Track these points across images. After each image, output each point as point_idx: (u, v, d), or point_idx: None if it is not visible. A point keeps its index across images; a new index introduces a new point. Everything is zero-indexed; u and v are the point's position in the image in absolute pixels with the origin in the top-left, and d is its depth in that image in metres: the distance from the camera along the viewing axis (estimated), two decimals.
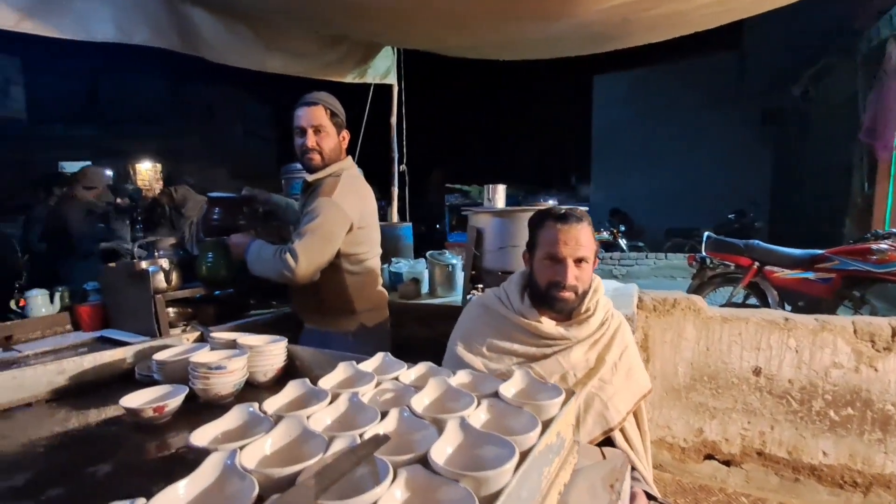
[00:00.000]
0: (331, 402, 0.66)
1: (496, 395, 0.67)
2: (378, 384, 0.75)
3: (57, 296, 1.77)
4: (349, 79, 3.27)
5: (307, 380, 0.75)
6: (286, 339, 1.06)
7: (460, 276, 2.39)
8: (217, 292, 1.89)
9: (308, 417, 0.60)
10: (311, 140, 1.61)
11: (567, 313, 1.34)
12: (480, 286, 1.83)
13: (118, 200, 3.69)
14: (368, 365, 0.87)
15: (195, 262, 1.90)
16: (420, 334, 2.11)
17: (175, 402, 0.84)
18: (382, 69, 3.44)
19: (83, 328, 1.77)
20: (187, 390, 0.87)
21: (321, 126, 1.61)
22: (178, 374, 0.96)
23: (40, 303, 1.72)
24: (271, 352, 1.01)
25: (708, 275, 3.75)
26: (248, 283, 1.98)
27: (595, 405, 1.29)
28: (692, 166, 11.01)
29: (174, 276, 1.73)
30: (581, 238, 1.26)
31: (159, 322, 1.65)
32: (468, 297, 1.94)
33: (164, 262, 1.73)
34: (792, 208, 9.54)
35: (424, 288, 2.41)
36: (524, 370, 0.77)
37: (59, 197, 3.81)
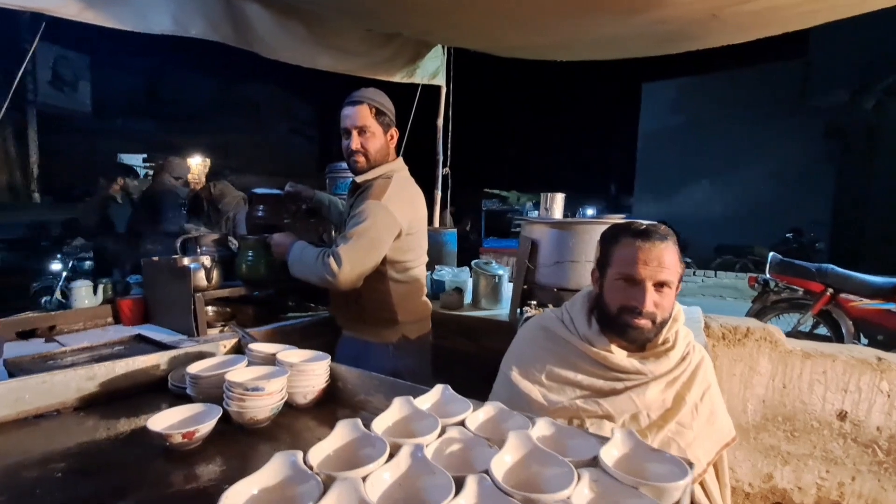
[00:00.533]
0: (390, 457, 0.53)
1: (595, 461, 0.53)
2: (442, 431, 0.62)
3: (100, 288, 1.75)
4: (398, 78, 3.19)
5: (359, 422, 0.63)
6: (329, 358, 0.95)
7: (507, 289, 2.24)
8: (256, 293, 1.82)
9: (364, 479, 0.48)
10: (355, 142, 1.53)
11: (640, 343, 1.17)
12: (534, 303, 1.68)
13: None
14: (426, 400, 0.75)
15: (235, 260, 1.86)
16: (463, 348, 1.97)
17: (206, 428, 0.74)
18: (431, 69, 3.35)
19: (123, 321, 1.75)
20: (220, 412, 0.77)
21: (366, 127, 1.52)
22: (213, 391, 0.86)
23: (84, 294, 1.71)
24: (313, 372, 0.90)
25: (772, 299, 3.42)
26: (287, 285, 1.92)
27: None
28: (745, 180, 10.38)
29: (215, 275, 1.67)
30: (665, 258, 1.09)
31: (197, 321, 1.60)
32: (520, 312, 1.78)
33: (206, 260, 1.67)
34: (857, 229, 8.81)
35: (467, 298, 2.27)
36: (628, 431, 0.62)
37: (147, 184, 4.04)
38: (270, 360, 0.96)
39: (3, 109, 1.81)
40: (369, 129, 1.52)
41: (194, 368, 0.90)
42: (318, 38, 2.62)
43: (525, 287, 1.77)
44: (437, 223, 3.48)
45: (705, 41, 1.92)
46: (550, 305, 1.74)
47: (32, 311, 1.64)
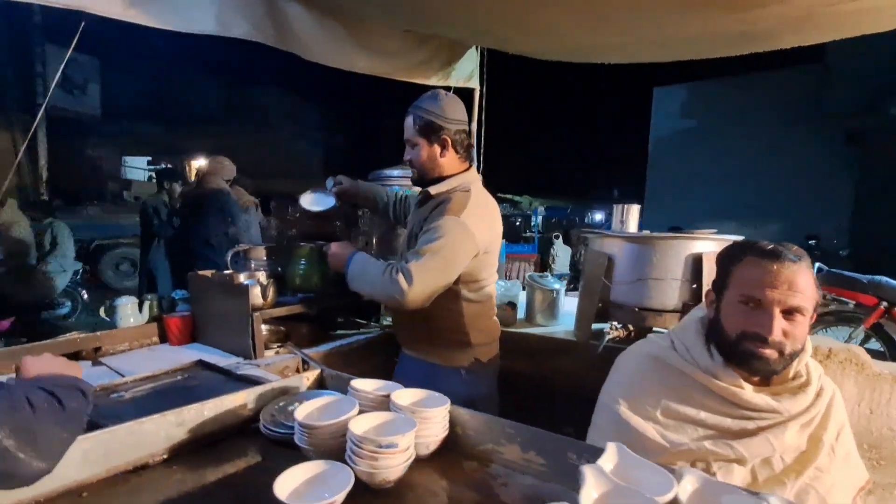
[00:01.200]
0: None
1: None
2: None
3: (146, 305, 1.64)
4: (433, 81, 3.09)
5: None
6: (449, 402, 0.83)
7: (564, 304, 2.12)
8: (311, 311, 1.70)
9: None
10: (406, 153, 1.49)
11: (764, 376, 1.05)
12: (614, 323, 1.56)
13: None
14: (607, 461, 0.63)
15: (286, 270, 1.75)
16: (524, 369, 1.85)
17: (341, 498, 0.62)
18: (467, 72, 3.25)
19: (171, 341, 1.63)
20: (352, 477, 0.65)
21: (408, 139, 1.47)
22: (329, 442, 0.75)
23: (129, 312, 1.60)
24: (436, 419, 0.79)
25: (818, 311, 3.28)
26: (344, 300, 1.81)
27: (810, 502, 0.99)
28: (760, 186, 10.25)
29: (270, 292, 1.55)
30: (798, 281, 0.97)
31: (255, 343, 1.48)
32: (599, 333, 1.66)
33: (262, 276, 1.56)
34: (878, 236, 8.67)
35: (520, 313, 2.15)
36: None
37: (192, 185, 3.81)
38: (382, 402, 0.84)
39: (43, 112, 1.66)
40: (412, 142, 1.46)
41: (302, 415, 0.78)
42: (357, 39, 2.54)
43: (600, 305, 1.65)
44: None
45: (784, 41, 1.81)
46: (629, 325, 1.62)
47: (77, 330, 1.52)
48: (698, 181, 10.97)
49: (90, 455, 0.68)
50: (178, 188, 4.15)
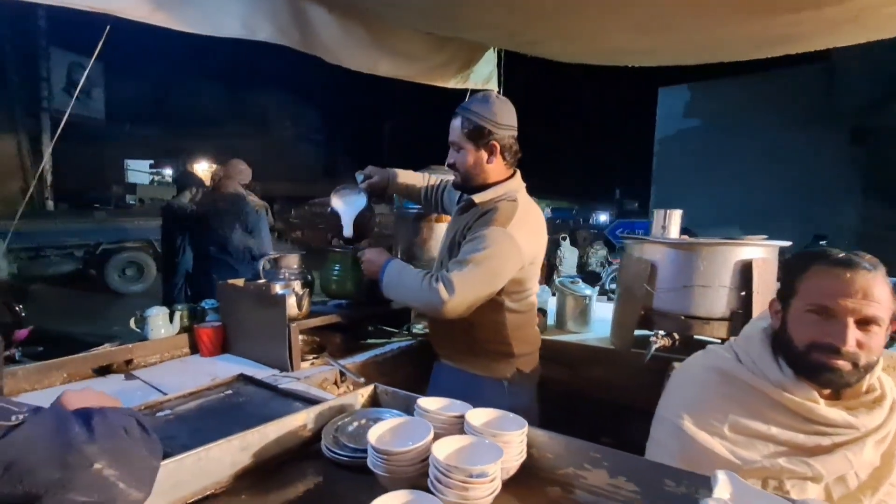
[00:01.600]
0: None
1: None
2: None
3: (177, 315, 1.60)
4: (452, 84, 3.07)
5: None
6: (526, 424, 0.79)
7: (596, 310, 2.08)
8: (343, 319, 1.66)
9: None
10: (450, 157, 1.43)
11: (835, 389, 1.01)
12: (661, 333, 1.52)
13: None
14: (722, 491, 0.59)
15: (320, 276, 1.71)
16: (560, 377, 1.80)
17: None
18: (485, 74, 3.22)
19: (202, 352, 1.59)
20: None
21: (454, 142, 1.40)
22: (406, 468, 0.70)
23: (160, 322, 1.55)
24: (515, 442, 0.75)
25: None
26: (378, 309, 1.77)
27: None
28: (767, 186, 10.20)
29: (305, 302, 1.51)
30: (873, 290, 0.93)
31: (292, 354, 1.44)
32: (639, 338, 1.62)
33: (297, 286, 1.52)
34: (885, 236, 8.63)
35: (550, 319, 2.11)
36: None
37: (209, 188, 3.77)
38: (454, 424, 0.80)
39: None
40: (458, 146, 1.40)
41: (375, 438, 0.74)
42: (379, 42, 2.52)
43: (642, 313, 1.61)
44: None
45: (821, 42, 1.77)
46: (674, 334, 1.58)
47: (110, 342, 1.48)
48: (705, 182, 10.93)
49: (162, 485, 0.64)
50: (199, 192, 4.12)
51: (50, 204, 9.43)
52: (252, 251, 3.86)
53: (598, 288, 2.05)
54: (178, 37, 1.90)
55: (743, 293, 1.48)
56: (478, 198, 1.38)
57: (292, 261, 1.63)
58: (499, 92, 3.34)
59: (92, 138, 11.28)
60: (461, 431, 0.81)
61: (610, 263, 8.45)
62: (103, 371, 1.42)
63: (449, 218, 2.25)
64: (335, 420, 0.92)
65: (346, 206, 1.73)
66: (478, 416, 0.81)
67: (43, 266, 6.84)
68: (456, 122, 1.39)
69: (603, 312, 2.16)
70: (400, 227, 2.30)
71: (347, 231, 1.70)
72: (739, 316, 1.48)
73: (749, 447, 1.01)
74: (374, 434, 0.75)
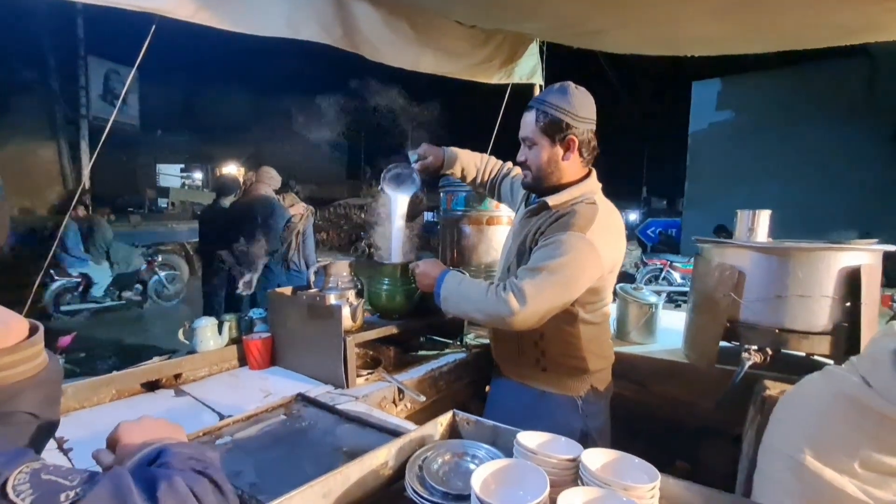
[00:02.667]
0: None
1: None
2: None
3: (225, 326, 1.53)
4: (496, 79, 2.96)
5: None
6: (657, 473, 0.66)
7: (662, 319, 1.93)
8: (398, 331, 1.56)
9: None
10: (520, 154, 1.31)
11: None
12: (752, 348, 1.36)
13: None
14: None
15: (368, 288, 1.61)
16: (629, 394, 1.66)
17: None
18: (528, 68, 3.09)
19: (251, 364, 1.52)
20: None
21: (526, 138, 1.28)
22: None
23: (209, 335, 1.48)
24: (650, 498, 0.62)
25: None
26: (431, 319, 1.66)
27: None
28: (807, 184, 9.69)
29: (359, 314, 1.42)
30: None
31: (347, 370, 1.34)
32: (726, 350, 1.47)
33: (351, 296, 1.43)
34: None
35: (611, 329, 1.96)
36: None
37: (241, 193, 3.85)
38: (566, 468, 0.68)
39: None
40: (531, 141, 1.27)
41: (479, 486, 0.63)
42: (423, 38, 2.44)
43: (728, 325, 1.45)
44: None
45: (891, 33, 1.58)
46: (766, 349, 1.41)
47: (158, 356, 1.42)
48: (741, 179, 10.47)
49: None
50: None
51: (89, 207, 9.73)
52: (287, 256, 3.84)
53: (664, 295, 1.89)
54: (207, 44, 1.86)
55: (848, 304, 1.31)
56: (552, 200, 1.25)
57: (342, 268, 1.54)
58: (542, 86, 3.20)
59: (127, 144, 11.63)
60: (575, 476, 0.69)
61: (645, 264, 8.18)
62: (152, 386, 1.35)
63: (498, 220, 2.14)
64: (417, 455, 0.81)
65: (398, 188, 1.60)
66: (594, 459, 0.69)
67: None
68: (529, 116, 1.26)
69: (669, 322, 2.00)
70: (446, 231, 2.20)
71: (398, 221, 1.60)
72: (844, 329, 1.31)
73: (884, 486, 0.87)
74: (478, 480, 0.64)
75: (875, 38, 1.81)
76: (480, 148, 3.29)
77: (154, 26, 1.66)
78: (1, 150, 8.54)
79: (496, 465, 0.69)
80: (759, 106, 10.43)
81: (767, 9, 1.54)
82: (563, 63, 3.39)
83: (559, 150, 1.24)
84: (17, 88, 9.33)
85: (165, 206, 10.59)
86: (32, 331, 0.54)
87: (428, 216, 10.43)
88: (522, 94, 3.16)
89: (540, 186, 1.30)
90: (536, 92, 3.16)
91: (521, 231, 1.33)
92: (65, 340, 2.49)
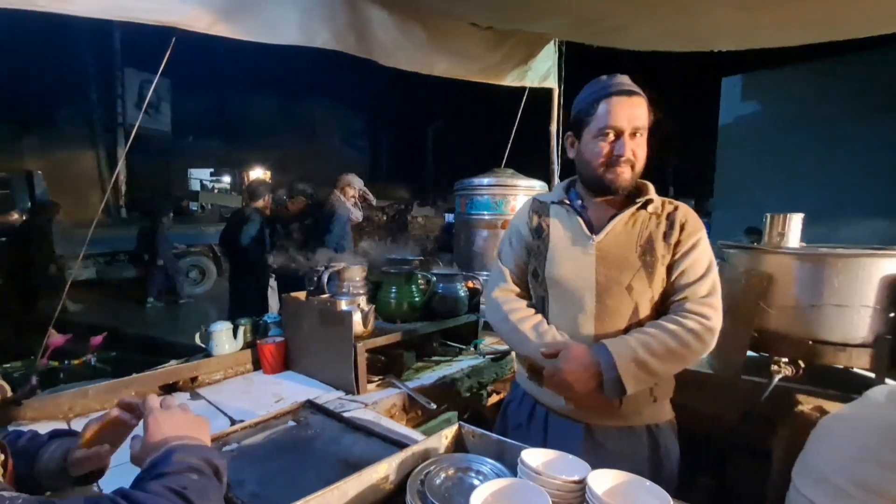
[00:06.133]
0: None
1: None
2: None
3: (240, 330, 1.55)
4: (508, 81, 2.92)
5: None
6: (668, 496, 0.62)
7: None
8: (405, 337, 1.54)
9: None
10: (628, 147, 1.02)
11: None
12: (782, 360, 1.28)
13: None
14: None
15: (375, 295, 1.61)
16: (687, 412, 1.48)
17: None
18: (542, 71, 3.03)
19: (264, 368, 1.53)
20: None
21: (641, 129, 1.04)
22: None
23: (224, 339, 1.51)
24: None
25: None
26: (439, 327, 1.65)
27: None
28: (839, 180, 9.19)
29: (371, 320, 1.41)
30: None
31: (358, 376, 1.34)
32: (754, 361, 1.39)
33: (362, 302, 1.42)
34: None
35: None
36: None
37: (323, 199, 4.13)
38: (572, 490, 0.65)
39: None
40: (644, 132, 1.05)
41: (479, 501, 0.60)
42: (436, 42, 2.43)
43: (756, 335, 1.37)
44: None
45: None
46: (799, 361, 1.33)
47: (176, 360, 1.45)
48: (773, 177, 10.02)
49: None
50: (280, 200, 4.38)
51: (123, 212, 10.16)
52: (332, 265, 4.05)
53: None
54: (233, 53, 1.90)
55: (892, 314, 1.21)
56: (654, 198, 1.09)
57: (356, 273, 1.54)
58: (560, 88, 3.13)
59: (160, 150, 12.09)
60: (581, 498, 0.66)
61: None
62: (170, 389, 1.38)
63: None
64: (420, 469, 0.79)
65: None
66: (602, 481, 0.65)
67: (117, 270, 7.34)
68: (639, 103, 1.04)
69: None
70: (461, 234, 2.18)
71: None
72: (887, 342, 1.22)
73: None
74: (478, 501, 0.61)
75: (867, 33, 1.68)
76: (498, 153, 3.25)
77: (174, 39, 1.71)
78: (46, 158, 9.03)
79: (498, 485, 0.66)
80: (793, 101, 9.94)
81: (787, 5, 1.45)
82: (580, 66, 3.31)
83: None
84: (59, 99, 9.86)
85: (196, 208, 10.94)
86: None
87: (449, 218, 10.43)
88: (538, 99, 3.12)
89: (630, 186, 1.08)
90: (554, 96, 3.10)
91: (624, 241, 1.07)
92: (97, 340, 2.58)
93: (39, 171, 7.11)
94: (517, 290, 1.17)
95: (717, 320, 1.01)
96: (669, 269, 1.06)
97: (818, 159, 9.60)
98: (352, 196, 4.00)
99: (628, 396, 0.98)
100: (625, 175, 1.04)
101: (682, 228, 1.06)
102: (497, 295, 1.16)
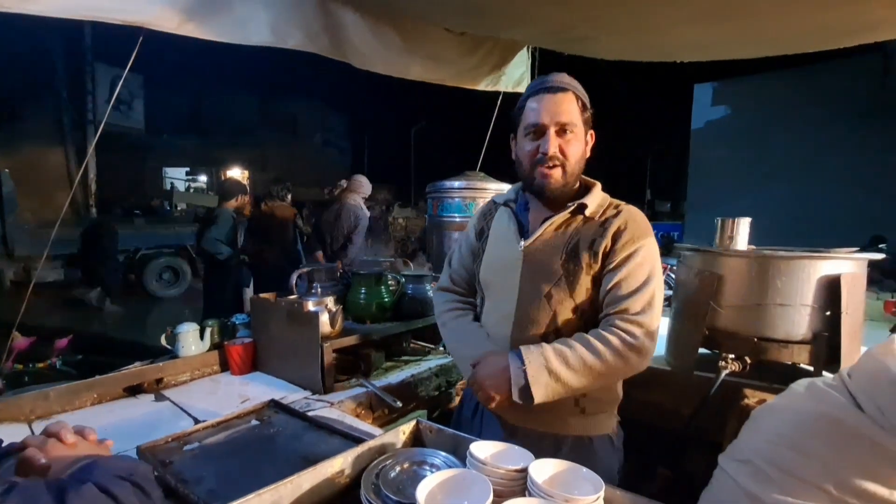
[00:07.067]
0: None
1: None
2: None
3: (207, 331, 1.55)
4: (482, 86, 2.99)
5: None
6: (602, 483, 0.67)
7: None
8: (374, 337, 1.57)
9: None
10: (553, 144, 1.00)
11: None
12: (729, 356, 1.36)
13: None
14: None
15: (345, 297, 1.63)
16: (649, 407, 1.58)
17: None
18: (516, 76, 3.11)
19: (232, 369, 1.53)
20: None
21: (569, 125, 1.01)
22: None
23: (191, 340, 1.50)
24: None
25: None
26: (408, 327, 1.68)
27: None
28: (813, 185, 9.61)
29: (339, 320, 1.43)
30: None
31: (325, 376, 1.35)
32: (706, 357, 1.46)
33: (330, 302, 1.44)
34: None
35: None
36: None
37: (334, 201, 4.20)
38: (515, 479, 0.69)
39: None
40: (572, 129, 1.01)
41: (424, 495, 0.63)
42: (411, 46, 2.46)
43: (707, 332, 1.44)
44: None
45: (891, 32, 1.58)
46: (745, 358, 1.40)
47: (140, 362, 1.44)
48: (745, 183, 10.40)
49: None
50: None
51: (94, 211, 9.86)
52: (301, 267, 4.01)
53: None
54: (211, 50, 1.88)
55: (828, 313, 1.30)
56: (592, 205, 1.04)
57: (325, 274, 1.55)
58: None
59: (133, 148, 11.78)
60: (523, 487, 0.70)
61: None
62: (134, 391, 1.37)
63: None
64: (375, 463, 0.81)
65: None
66: (542, 470, 0.69)
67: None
68: (566, 98, 1.01)
69: (661, 327, 1.99)
70: (433, 236, 2.21)
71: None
72: (824, 339, 1.30)
73: None
74: (423, 491, 0.65)
75: (863, 41, 1.80)
76: (472, 158, 3.28)
77: (141, 37, 1.69)
78: (13, 156, 8.70)
79: (444, 476, 0.69)
80: (764, 107, 10.36)
81: (752, 14, 1.53)
82: (558, 68, 3.39)
83: (587, 142, 1.07)
84: (28, 96, 9.51)
85: (170, 209, 10.71)
86: None
87: None
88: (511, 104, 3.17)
89: (564, 188, 1.05)
90: None
91: (551, 247, 1.05)
92: (62, 343, 2.51)
93: (7, 170, 6.85)
94: (456, 288, 1.22)
95: (645, 339, 0.96)
96: (599, 279, 1.01)
97: (789, 163, 10.00)
98: (363, 198, 4.12)
99: (547, 404, 0.96)
100: (554, 175, 1.02)
101: (615, 237, 1.01)
102: (435, 294, 1.24)
